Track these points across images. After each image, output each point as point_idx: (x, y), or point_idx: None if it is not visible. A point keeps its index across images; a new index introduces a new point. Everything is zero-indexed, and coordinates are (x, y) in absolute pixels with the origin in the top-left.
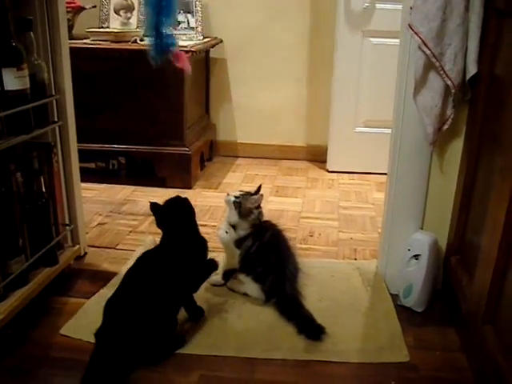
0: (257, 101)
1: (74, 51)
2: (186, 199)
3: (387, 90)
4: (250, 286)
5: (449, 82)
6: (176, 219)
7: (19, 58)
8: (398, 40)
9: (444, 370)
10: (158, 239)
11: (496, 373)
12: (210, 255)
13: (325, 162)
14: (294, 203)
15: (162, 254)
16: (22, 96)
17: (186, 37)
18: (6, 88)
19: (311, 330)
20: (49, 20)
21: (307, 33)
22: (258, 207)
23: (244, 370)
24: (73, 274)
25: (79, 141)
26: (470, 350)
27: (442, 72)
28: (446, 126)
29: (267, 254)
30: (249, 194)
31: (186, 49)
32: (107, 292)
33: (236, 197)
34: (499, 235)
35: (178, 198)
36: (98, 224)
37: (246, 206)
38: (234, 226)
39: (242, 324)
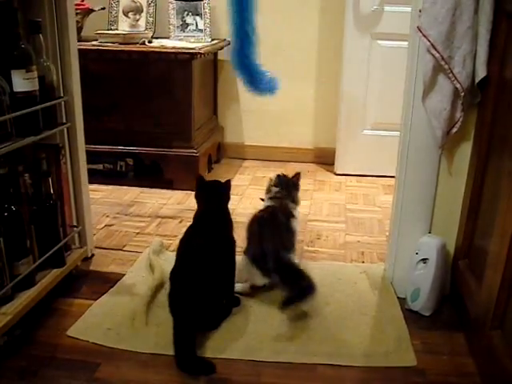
0: (264, 103)
1: (82, 53)
2: (227, 184)
3: (395, 93)
4: (252, 273)
5: (458, 86)
6: (213, 197)
7: (28, 59)
8: (406, 43)
9: (451, 375)
10: (165, 240)
11: (504, 378)
12: None
13: (332, 164)
14: (301, 206)
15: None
16: (30, 98)
17: (195, 39)
18: (15, 89)
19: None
20: (58, 22)
21: (316, 35)
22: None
23: (250, 373)
24: (80, 275)
25: (87, 142)
26: (477, 355)
27: (450, 75)
28: (454, 130)
29: (257, 229)
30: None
31: (194, 51)
32: (114, 294)
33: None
34: (508, 239)
35: (220, 182)
36: (106, 225)
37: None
38: None
39: (248, 327)
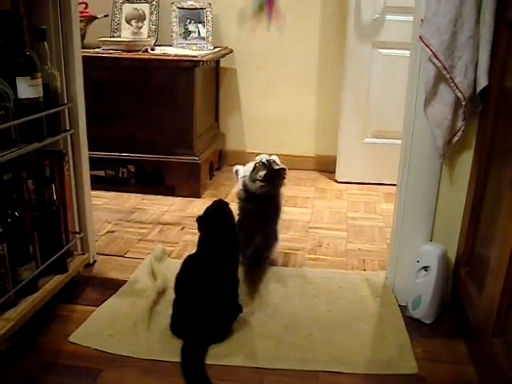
0: (266, 111)
1: (85, 60)
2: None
3: (396, 102)
4: None
5: (459, 95)
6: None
7: (33, 67)
8: (407, 51)
9: (453, 383)
10: (167, 247)
11: None
12: None
13: (333, 172)
14: (302, 213)
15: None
16: (35, 104)
17: (197, 47)
18: (19, 96)
19: None
20: (62, 29)
21: (317, 43)
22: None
23: (252, 380)
24: (82, 281)
25: (89, 149)
26: (478, 363)
27: (452, 84)
28: (456, 138)
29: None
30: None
31: (196, 58)
32: (116, 300)
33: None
34: (509, 247)
35: (219, 205)
36: (108, 232)
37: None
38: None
39: (250, 334)
